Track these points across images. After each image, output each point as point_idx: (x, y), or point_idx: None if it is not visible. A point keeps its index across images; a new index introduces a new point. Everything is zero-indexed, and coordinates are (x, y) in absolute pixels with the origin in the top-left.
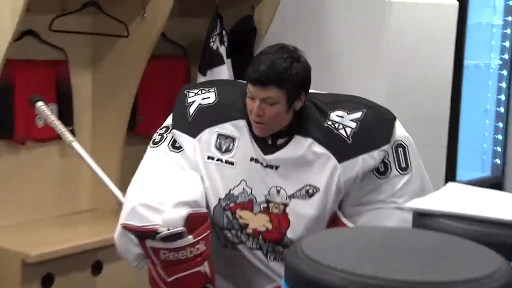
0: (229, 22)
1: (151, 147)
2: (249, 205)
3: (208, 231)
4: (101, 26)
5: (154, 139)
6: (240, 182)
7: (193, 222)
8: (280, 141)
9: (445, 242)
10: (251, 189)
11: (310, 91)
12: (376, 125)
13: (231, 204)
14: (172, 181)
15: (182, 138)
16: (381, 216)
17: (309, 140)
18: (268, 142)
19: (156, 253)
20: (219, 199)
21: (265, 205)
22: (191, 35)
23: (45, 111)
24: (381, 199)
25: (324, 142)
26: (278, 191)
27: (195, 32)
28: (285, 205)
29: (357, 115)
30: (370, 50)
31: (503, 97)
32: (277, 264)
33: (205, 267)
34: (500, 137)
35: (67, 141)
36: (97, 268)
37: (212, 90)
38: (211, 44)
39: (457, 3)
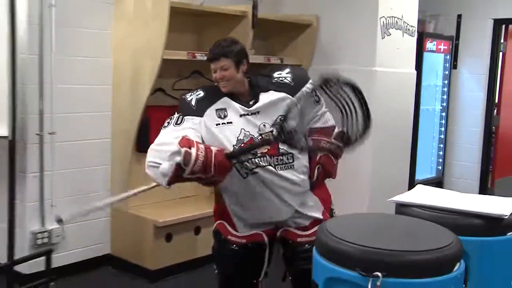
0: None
1: (163, 128)
2: (251, 140)
3: (199, 146)
4: (201, 84)
5: (163, 127)
6: (240, 131)
7: (183, 144)
8: (252, 101)
9: (417, 224)
10: (249, 132)
11: None
12: (299, 71)
13: (242, 144)
14: (176, 132)
15: (192, 118)
16: (326, 117)
17: (270, 92)
18: (250, 103)
19: (197, 152)
20: (233, 146)
21: (260, 137)
22: None
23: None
24: (322, 112)
25: (279, 89)
26: (264, 125)
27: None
28: (271, 131)
29: (287, 70)
30: None
31: (443, 129)
32: (283, 171)
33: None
34: (441, 153)
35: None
36: (197, 230)
37: (199, 90)
38: None
39: (415, 72)
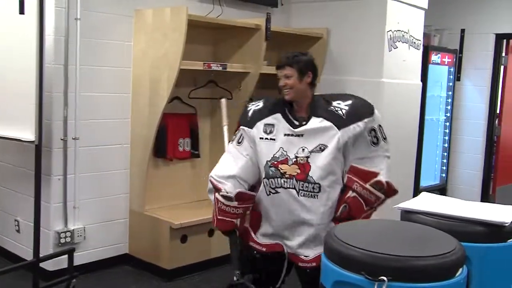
0: None
1: (230, 143)
2: (285, 161)
3: (249, 205)
4: (216, 93)
5: (232, 139)
6: (279, 149)
7: (241, 195)
8: (303, 122)
9: (421, 230)
10: (286, 152)
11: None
12: (359, 107)
13: (275, 162)
14: (230, 163)
15: (246, 130)
16: (378, 160)
17: (320, 118)
18: (296, 123)
19: (217, 201)
20: (267, 161)
21: (295, 159)
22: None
23: (223, 106)
24: (377, 154)
25: (329, 118)
26: (303, 150)
27: (278, 97)
28: (307, 157)
29: (348, 102)
30: None
31: (446, 138)
32: (304, 198)
33: (237, 221)
34: (445, 161)
35: (222, 125)
36: (211, 233)
37: (261, 100)
38: None
39: (421, 83)
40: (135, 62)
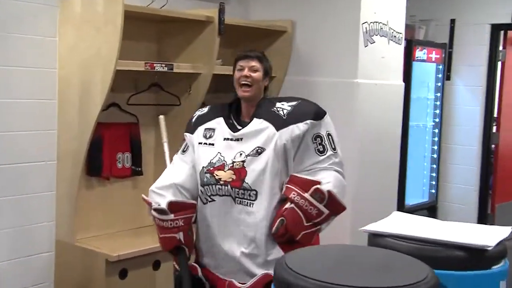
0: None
1: (176, 155)
2: (221, 166)
3: (190, 215)
4: (161, 99)
5: (178, 149)
6: (216, 154)
7: (176, 206)
8: (244, 124)
9: (389, 256)
10: (224, 157)
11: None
12: (303, 109)
13: (211, 168)
14: (170, 173)
15: (187, 136)
16: (324, 174)
17: (261, 120)
18: (237, 127)
19: (154, 218)
20: (203, 167)
21: (231, 164)
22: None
23: (162, 123)
24: (323, 167)
25: (269, 119)
26: (240, 154)
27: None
28: (243, 161)
29: (293, 103)
30: (345, 116)
31: (435, 147)
32: (240, 206)
33: (179, 236)
34: (434, 174)
35: (162, 141)
36: (156, 265)
37: (207, 107)
38: None
39: (403, 83)
40: (61, 62)
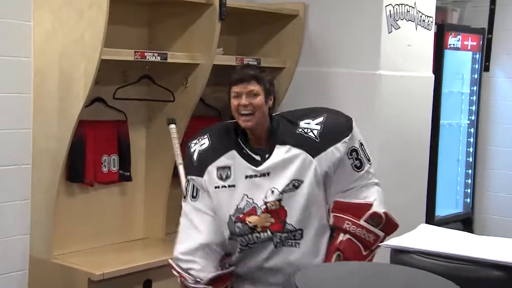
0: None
1: (183, 202)
2: (252, 210)
3: (226, 284)
4: (153, 93)
5: (183, 194)
6: (243, 197)
7: (215, 280)
8: (266, 155)
9: (415, 276)
10: (252, 199)
11: (279, 112)
12: (335, 124)
13: (240, 215)
14: (190, 232)
15: (195, 180)
16: (368, 192)
17: (287, 146)
18: (257, 159)
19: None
20: (230, 216)
21: (264, 206)
22: (225, 100)
23: (173, 133)
24: (364, 184)
25: (299, 145)
26: (272, 192)
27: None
28: (280, 200)
29: (320, 119)
30: (365, 113)
31: (471, 149)
32: (284, 249)
33: None
34: (469, 181)
35: (177, 162)
36: (147, 285)
37: (206, 136)
38: None
39: (433, 75)
40: (37, 50)
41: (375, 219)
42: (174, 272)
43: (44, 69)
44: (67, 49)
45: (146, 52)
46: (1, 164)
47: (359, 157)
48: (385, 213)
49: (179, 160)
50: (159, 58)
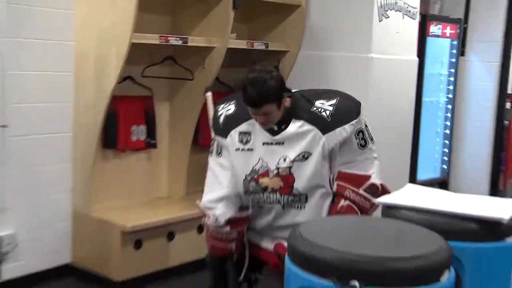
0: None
1: (209, 157)
2: (266, 173)
3: (244, 226)
4: (175, 72)
5: (210, 150)
6: (258, 160)
7: (232, 220)
8: (283, 126)
9: (402, 228)
10: (267, 163)
11: (300, 89)
12: (346, 108)
13: (255, 176)
14: (215, 184)
15: (220, 139)
16: (369, 165)
17: (302, 121)
18: (275, 129)
19: (207, 228)
20: (245, 175)
21: (276, 171)
22: (237, 79)
23: (209, 99)
24: (365, 158)
25: (312, 121)
26: (284, 159)
27: (239, 77)
28: (290, 167)
29: (333, 101)
30: (359, 90)
31: (448, 123)
32: (291, 210)
33: (232, 246)
34: (446, 150)
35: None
36: (170, 236)
37: (233, 102)
38: None
39: (417, 59)
40: (77, 35)
41: (373, 189)
42: (200, 209)
43: (83, 52)
44: (102, 34)
45: (169, 36)
46: (47, 133)
47: (365, 137)
48: (382, 185)
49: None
50: (180, 42)
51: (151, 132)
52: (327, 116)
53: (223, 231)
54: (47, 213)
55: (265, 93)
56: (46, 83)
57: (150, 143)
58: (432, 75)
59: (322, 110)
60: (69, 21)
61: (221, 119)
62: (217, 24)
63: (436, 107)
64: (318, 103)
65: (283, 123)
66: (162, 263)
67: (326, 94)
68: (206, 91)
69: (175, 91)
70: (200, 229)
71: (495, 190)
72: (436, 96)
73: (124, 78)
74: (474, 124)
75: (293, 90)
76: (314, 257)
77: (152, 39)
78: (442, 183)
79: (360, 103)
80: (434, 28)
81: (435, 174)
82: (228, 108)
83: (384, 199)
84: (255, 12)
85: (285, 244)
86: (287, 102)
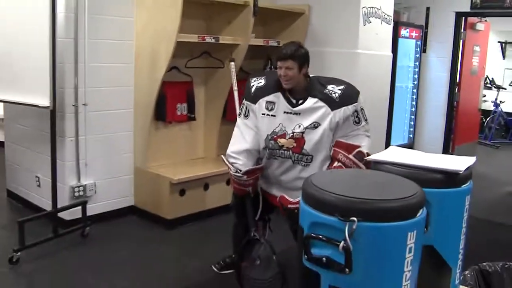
0: (274, 61)
1: (238, 116)
2: (283, 135)
3: (258, 175)
4: (210, 63)
5: (239, 112)
6: (278, 125)
7: (249, 171)
8: (300, 101)
9: (388, 178)
10: (285, 127)
11: (317, 75)
12: (350, 93)
13: (274, 136)
14: (240, 139)
15: (250, 104)
16: (361, 139)
17: (315, 99)
18: (293, 102)
19: (231, 174)
20: (267, 135)
21: (291, 134)
22: (255, 68)
23: (232, 68)
24: (359, 132)
25: (324, 100)
26: (299, 126)
27: (258, 67)
28: (303, 133)
29: (341, 87)
30: (348, 78)
31: (414, 103)
32: (298, 166)
33: (249, 189)
34: (412, 123)
35: (233, 89)
36: (206, 187)
37: (263, 77)
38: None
39: (392, 54)
40: (137, 36)
41: (360, 155)
42: (224, 163)
43: (141, 48)
44: (155, 35)
45: (205, 36)
46: (115, 109)
47: (359, 116)
48: (368, 153)
49: (235, 87)
50: (213, 40)
51: (191, 108)
52: (336, 98)
53: (241, 179)
54: (116, 168)
55: (293, 52)
56: (114, 72)
57: (190, 117)
58: (402, 67)
59: (333, 92)
60: (130, 26)
61: (253, 89)
62: (241, 27)
63: (405, 91)
64: (330, 87)
65: (302, 99)
66: (200, 206)
67: (336, 81)
68: (230, 61)
69: (209, 77)
70: (228, 181)
71: (446, 152)
72: (405, 82)
73: (171, 68)
74: (432, 104)
75: (311, 75)
76: (323, 199)
77: (192, 38)
78: (409, 147)
79: (359, 91)
80: (403, 32)
81: (404, 140)
82: (259, 81)
83: (373, 156)
84: (270, 18)
85: (287, 197)
86: (304, 71)
